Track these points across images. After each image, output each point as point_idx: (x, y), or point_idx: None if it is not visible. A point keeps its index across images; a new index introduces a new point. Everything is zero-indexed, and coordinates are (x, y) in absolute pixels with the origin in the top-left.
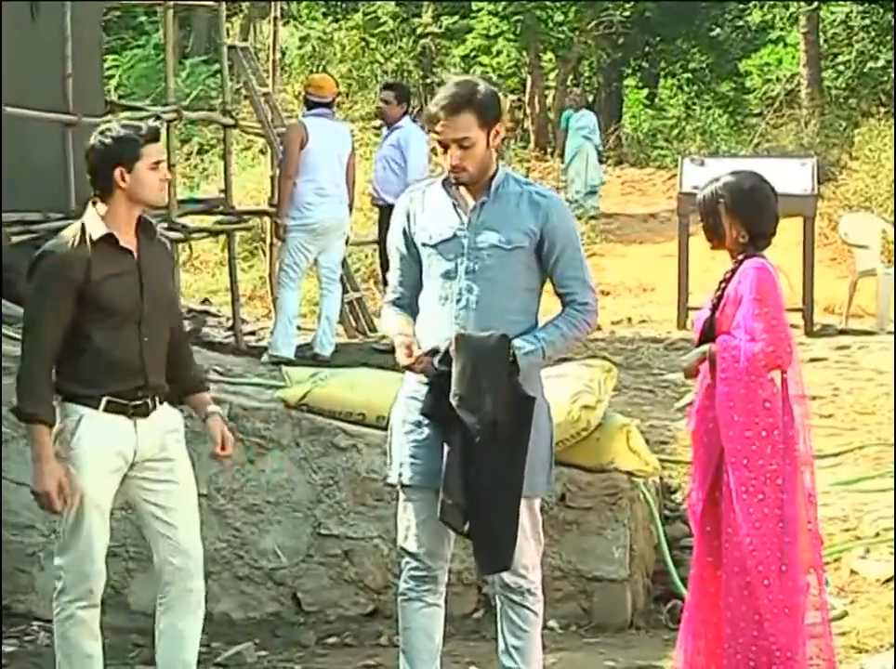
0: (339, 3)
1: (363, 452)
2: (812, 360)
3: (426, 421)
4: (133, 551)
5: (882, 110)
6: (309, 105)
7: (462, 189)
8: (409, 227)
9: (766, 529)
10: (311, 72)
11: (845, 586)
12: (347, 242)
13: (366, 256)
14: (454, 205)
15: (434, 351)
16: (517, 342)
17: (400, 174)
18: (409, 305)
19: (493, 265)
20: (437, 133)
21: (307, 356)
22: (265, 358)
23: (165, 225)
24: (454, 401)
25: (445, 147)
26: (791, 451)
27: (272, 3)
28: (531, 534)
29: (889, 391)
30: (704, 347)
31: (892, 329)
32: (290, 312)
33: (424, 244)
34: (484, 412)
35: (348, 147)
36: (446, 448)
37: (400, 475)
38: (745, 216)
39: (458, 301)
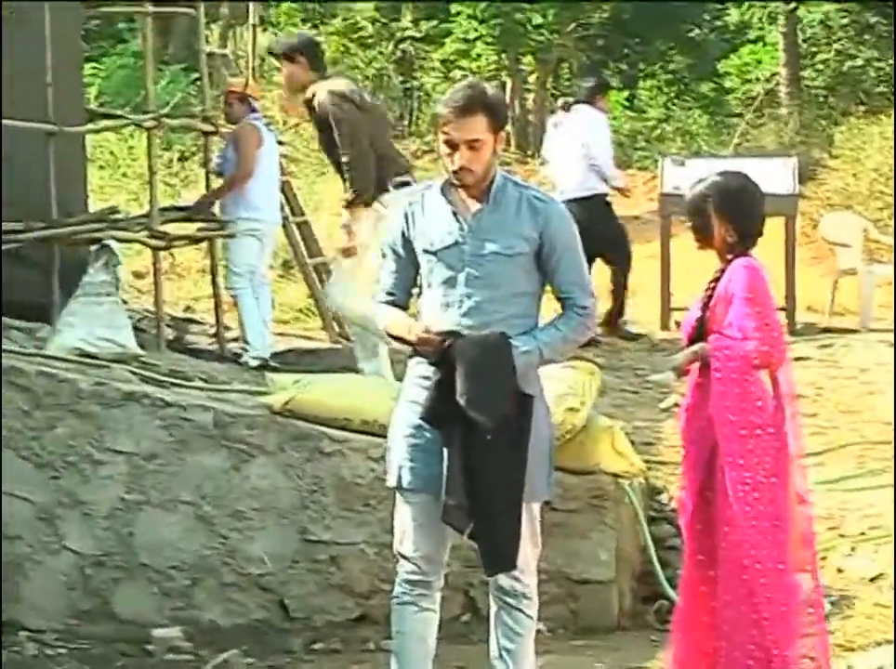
0: (318, 8)
1: (348, 457)
2: (796, 358)
3: (426, 425)
4: (119, 559)
5: (861, 108)
6: (251, 109)
7: (461, 194)
8: (408, 230)
9: (762, 527)
10: None
11: (831, 585)
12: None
13: None
14: (454, 212)
15: (452, 333)
16: (514, 341)
17: None
18: (403, 307)
19: (494, 271)
20: (446, 133)
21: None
22: (247, 359)
23: (147, 233)
24: (461, 401)
25: (453, 147)
26: (784, 449)
27: (251, 10)
28: (528, 538)
29: (872, 389)
30: (697, 346)
31: (874, 327)
32: (262, 315)
33: (425, 251)
34: (493, 409)
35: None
36: (446, 450)
37: (399, 478)
38: (734, 215)
39: (460, 307)
